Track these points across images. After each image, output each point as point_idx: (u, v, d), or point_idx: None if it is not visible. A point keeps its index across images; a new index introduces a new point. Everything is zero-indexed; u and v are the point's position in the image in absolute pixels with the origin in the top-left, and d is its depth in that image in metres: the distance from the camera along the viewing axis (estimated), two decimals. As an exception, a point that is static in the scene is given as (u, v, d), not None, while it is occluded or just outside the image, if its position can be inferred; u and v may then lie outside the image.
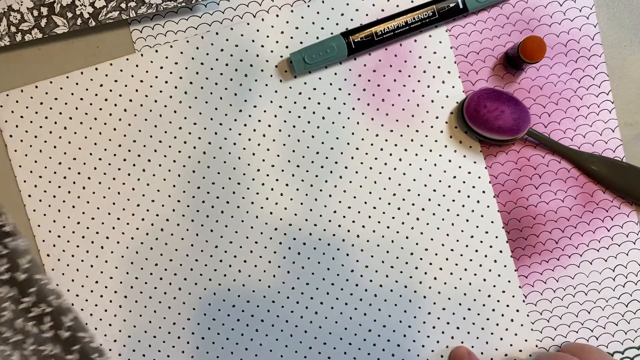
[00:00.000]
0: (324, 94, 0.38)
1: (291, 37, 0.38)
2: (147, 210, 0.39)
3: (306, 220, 0.39)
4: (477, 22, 0.38)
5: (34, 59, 0.39)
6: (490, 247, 0.39)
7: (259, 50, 0.38)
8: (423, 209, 0.39)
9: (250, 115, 0.39)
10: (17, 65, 0.39)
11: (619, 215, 0.38)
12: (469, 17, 0.38)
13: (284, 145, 0.39)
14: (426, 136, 0.39)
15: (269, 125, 0.39)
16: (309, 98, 0.38)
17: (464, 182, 0.39)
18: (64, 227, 0.40)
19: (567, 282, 0.39)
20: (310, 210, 0.39)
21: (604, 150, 0.38)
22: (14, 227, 0.37)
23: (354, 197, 0.39)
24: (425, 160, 0.39)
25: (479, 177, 0.39)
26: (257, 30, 0.38)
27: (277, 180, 0.39)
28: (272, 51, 0.38)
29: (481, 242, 0.39)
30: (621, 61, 0.38)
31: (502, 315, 0.39)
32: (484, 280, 0.39)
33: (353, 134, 0.39)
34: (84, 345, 0.37)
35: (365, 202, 0.39)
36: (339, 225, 0.39)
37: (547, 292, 0.39)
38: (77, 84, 0.39)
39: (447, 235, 0.39)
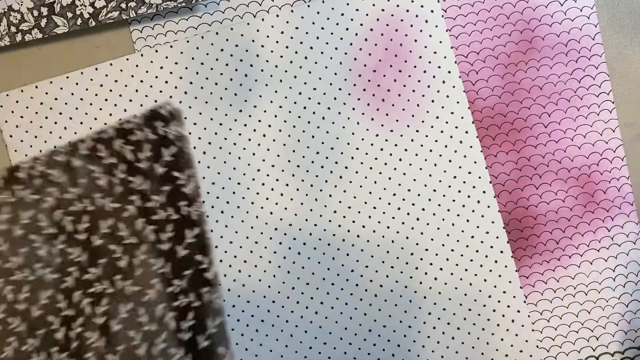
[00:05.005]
0: (324, 94, 0.38)
1: (291, 37, 0.38)
2: (147, 210, 0.39)
3: (306, 220, 0.39)
4: (477, 22, 0.38)
5: (34, 59, 0.39)
6: (491, 247, 0.39)
7: (259, 50, 0.38)
8: (423, 209, 0.39)
9: (250, 115, 0.39)
10: (17, 66, 0.39)
11: (619, 216, 0.38)
12: (469, 17, 0.38)
13: (284, 145, 0.39)
14: (426, 136, 0.39)
15: (269, 126, 0.39)
16: (309, 98, 0.38)
17: (464, 182, 0.39)
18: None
19: (567, 282, 0.39)
20: (311, 210, 0.39)
21: (604, 150, 0.38)
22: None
23: (354, 197, 0.39)
24: (425, 160, 0.39)
25: (479, 177, 0.39)
26: (257, 30, 0.38)
27: (277, 180, 0.39)
28: (272, 51, 0.38)
29: (482, 242, 0.39)
30: (621, 61, 0.38)
31: (503, 316, 0.39)
32: (485, 280, 0.39)
33: (353, 134, 0.39)
34: (197, 272, 0.34)
35: (365, 202, 0.39)
36: (339, 226, 0.39)
37: (547, 292, 0.39)
38: (77, 84, 0.39)
39: (448, 235, 0.39)
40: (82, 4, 0.37)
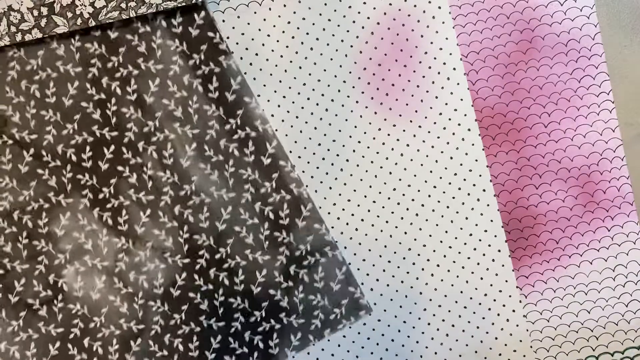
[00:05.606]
0: (328, 85, 0.39)
1: (297, 28, 0.39)
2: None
3: (305, 211, 0.39)
4: (477, 22, 0.39)
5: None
6: (489, 245, 0.39)
7: (265, 39, 0.39)
8: (423, 205, 0.39)
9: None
10: None
11: (619, 215, 0.38)
12: (469, 17, 0.39)
13: (286, 135, 0.39)
14: (428, 132, 0.39)
15: (272, 115, 0.39)
16: (313, 89, 0.39)
17: (464, 179, 0.39)
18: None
19: (567, 282, 0.38)
20: (310, 201, 0.39)
21: (604, 150, 0.38)
22: (228, 47, 0.37)
23: (354, 190, 0.39)
24: (427, 156, 0.39)
25: (480, 175, 0.39)
26: (264, 20, 0.39)
27: (277, 168, 0.39)
28: (278, 41, 0.39)
29: (480, 240, 0.39)
30: (621, 61, 0.39)
31: (498, 315, 0.38)
32: (481, 278, 0.38)
33: (356, 127, 0.39)
34: (284, 174, 0.37)
35: (365, 196, 0.39)
36: (338, 218, 0.39)
37: (547, 292, 0.38)
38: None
39: (446, 232, 0.39)
40: (82, 4, 0.37)
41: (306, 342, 0.37)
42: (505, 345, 0.38)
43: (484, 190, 0.39)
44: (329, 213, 0.39)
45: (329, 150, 0.39)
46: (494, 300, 0.38)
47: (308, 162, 0.39)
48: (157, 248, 0.37)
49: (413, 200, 0.39)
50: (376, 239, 0.39)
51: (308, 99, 0.39)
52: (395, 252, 0.39)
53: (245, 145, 0.37)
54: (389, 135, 0.39)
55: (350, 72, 0.39)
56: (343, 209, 0.39)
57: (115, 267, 0.37)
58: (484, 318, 0.38)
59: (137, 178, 0.37)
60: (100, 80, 0.37)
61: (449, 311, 0.38)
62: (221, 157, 0.37)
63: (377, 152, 0.39)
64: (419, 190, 0.39)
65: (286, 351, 0.37)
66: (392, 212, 0.39)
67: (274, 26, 0.39)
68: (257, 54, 0.39)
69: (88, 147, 0.37)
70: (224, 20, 0.39)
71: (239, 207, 0.37)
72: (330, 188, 0.39)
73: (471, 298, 0.38)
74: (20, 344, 0.37)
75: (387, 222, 0.39)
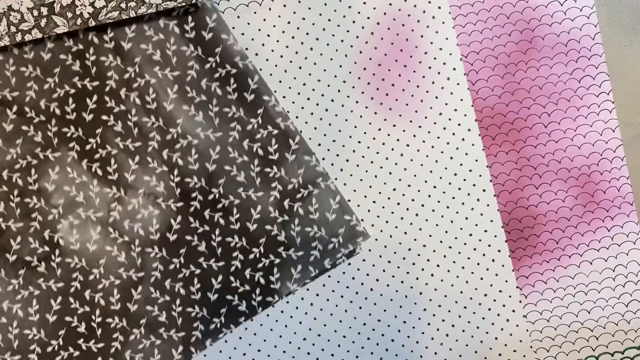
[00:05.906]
0: (328, 85, 0.39)
1: (297, 28, 0.39)
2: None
3: (305, 211, 0.39)
4: (477, 22, 0.39)
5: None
6: (489, 245, 0.39)
7: (265, 39, 0.39)
8: (423, 205, 0.39)
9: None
10: None
11: (619, 215, 0.38)
12: (469, 17, 0.39)
13: (286, 135, 0.39)
14: (429, 132, 0.39)
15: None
16: (313, 89, 0.39)
17: (464, 179, 0.39)
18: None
19: (567, 282, 0.38)
20: (310, 201, 0.39)
21: (604, 150, 0.38)
22: None
23: (354, 191, 0.39)
24: (427, 156, 0.39)
25: (480, 175, 0.39)
26: (264, 20, 0.39)
27: (277, 168, 0.39)
28: (278, 41, 0.39)
29: (480, 240, 0.39)
30: (621, 61, 0.39)
31: (498, 315, 0.38)
32: (481, 279, 0.39)
33: (356, 127, 0.39)
34: (269, 109, 0.37)
35: (365, 196, 0.39)
36: (338, 218, 0.39)
37: (547, 292, 0.38)
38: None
39: (446, 232, 0.39)
40: (82, 4, 0.37)
41: (307, 273, 0.37)
42: (505, 345, 0.38)
43: (484, 190, 0.39)
44: (329, 213, 0.39)
45: (329, 150, 0.39)
46: (494, 300, 0.38)
47: (308, 162, 0.39)
48: (150, 194, 0.37)
49: (413, 200, 0.39)
50: (376, 239, 0.39)
51: (308, 99, 0.39)
52: (395, 252, 0.39)
53: (227, 83, 0.37)
54: (389, 135, 0.39)
55: (350, 72, 0.39)
56: (343, 209, 0.39)
57: (109, 217, 0.37)
58: (484, 318, 0.38)
59: (123, 126, 0.37)
60: (76, 31, 0.37)
61: (449, 311, 0.38)
62: (204, 97, 0.36)
63: (377, 152, 0.39)
64: (419, 190, 0.39)
65: (288, 284, 0.37)
66: (392, 212, 0.39)
67: (274, 26, 0.39)
68: (257, 54, 0.39)
69: (71, 99, 0.37)
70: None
71: (227, 146, 0.37)
72: (330, 188, 0.39)
73: (471, 298, 0.38)
74: (22, 302, 0.37)
75: (387, 222, 0.39)
